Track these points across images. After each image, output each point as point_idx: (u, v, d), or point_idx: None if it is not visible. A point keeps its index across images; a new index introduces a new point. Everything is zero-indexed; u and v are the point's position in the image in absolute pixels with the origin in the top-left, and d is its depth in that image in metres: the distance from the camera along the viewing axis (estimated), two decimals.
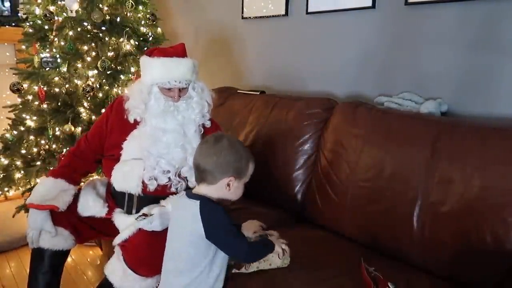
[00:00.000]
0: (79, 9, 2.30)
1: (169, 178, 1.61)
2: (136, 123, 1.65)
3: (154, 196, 1.61)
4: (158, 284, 1.53)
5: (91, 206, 1.67)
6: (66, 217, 1.63)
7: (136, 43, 2.48)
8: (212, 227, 1.16)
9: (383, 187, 1.59)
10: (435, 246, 1.43)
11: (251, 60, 2.74)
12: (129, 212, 1.64)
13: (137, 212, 1.59)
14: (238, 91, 2.54)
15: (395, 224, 1.53)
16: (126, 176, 1.61)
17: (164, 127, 1.60)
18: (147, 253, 1.49)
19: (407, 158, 1.55)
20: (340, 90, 2.23)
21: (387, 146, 1.63)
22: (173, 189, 1.63)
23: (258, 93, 2.42)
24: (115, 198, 1.72)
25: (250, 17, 2.67)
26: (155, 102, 1.60)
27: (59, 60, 2.28)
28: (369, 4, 2.02)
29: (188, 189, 1.32)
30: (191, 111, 1.63)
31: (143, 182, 1.60)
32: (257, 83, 2.69)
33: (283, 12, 2.44)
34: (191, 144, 1.63)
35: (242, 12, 2.71)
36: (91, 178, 1.99)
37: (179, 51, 1.62)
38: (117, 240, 1.54)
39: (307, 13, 2.31)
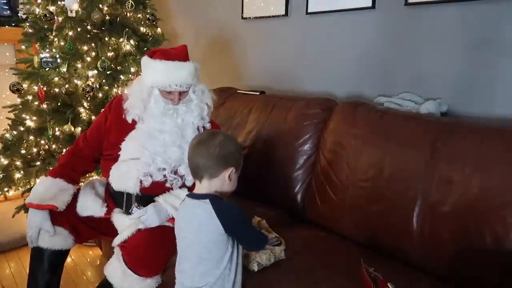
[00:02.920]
0: (79, 9, 2.30)
1: (164, 175, 1.62)
2: (134, 123, 1.65)
3: (153, 195, 1.61)
4: (158, 285, 1.54)
5: (90, 206, 1.67)
6: (65, 217, 1.63)
7: (136, 43, 2.48)
8: (230, 221, 1.17)
9: (383, 187, 1.59)
10: (435, 246, 1.43)
11: (251, 60, 2.74)
12: (127, 212, 1.64)
13: None
14: (238, 91, 2.54)
15: (395, 224, 1.53)
16: (124, 176, 1.62)
17: (161, 128, 1.60)
18: (146, 253, 1.49)
19: (407, 158, 1.55)
20: (340, 90, 2.22)
21: (386, 146, 1.63)
22: (167, 185, 1.63)
23: (258, 93, 2.42)
24: (114, 198, 1.72)
25: (250, 17, 2.67)
26: (154, 104, 1.60)
27: (59, 60, 2.27)
28: (369, 4, 2.02)
29: (188, 192, 1.31)
30: (190, 114, 1.63)
31: (140, 181, 1.60)
32: (257, 83, 2.69)
33: (283, 12, 2.44)
34: (188, 144, 1.63)
35: (242, 12, 2.70)
36: (90, 178, 1.99)
37: (182, 55, 1.61)
38: (117, 240, 1.54)
39: (307, 13, 2.31)
